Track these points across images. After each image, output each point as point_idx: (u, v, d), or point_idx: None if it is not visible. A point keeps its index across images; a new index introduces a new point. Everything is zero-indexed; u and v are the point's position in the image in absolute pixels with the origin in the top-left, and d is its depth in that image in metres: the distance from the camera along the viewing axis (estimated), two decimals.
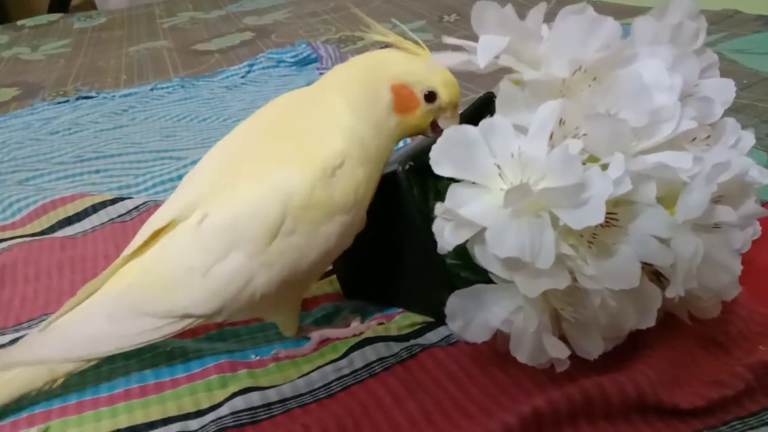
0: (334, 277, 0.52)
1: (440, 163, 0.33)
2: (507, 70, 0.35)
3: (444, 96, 0.41)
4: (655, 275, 0.36)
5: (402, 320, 0.46)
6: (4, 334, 0.50)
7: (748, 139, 0.36)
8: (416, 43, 0.41)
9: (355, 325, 0.46)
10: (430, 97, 0.41)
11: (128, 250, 0.42)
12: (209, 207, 0.39)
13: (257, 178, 0.39)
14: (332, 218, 0.40)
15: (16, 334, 0.50)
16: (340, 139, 0.40)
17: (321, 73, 1.04)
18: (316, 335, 0.46)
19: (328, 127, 0.40)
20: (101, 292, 0.42)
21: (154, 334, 0.41)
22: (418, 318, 0.46)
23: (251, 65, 1.15)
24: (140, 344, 0.41)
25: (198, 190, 0.41)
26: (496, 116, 0.33)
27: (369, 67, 0.42)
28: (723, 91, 0.36)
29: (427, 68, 0.40)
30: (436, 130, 0.42)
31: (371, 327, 0.46)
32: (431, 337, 0.45)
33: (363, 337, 0.45)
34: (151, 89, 1.09)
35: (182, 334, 0.48)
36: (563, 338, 0.36)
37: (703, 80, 0.36)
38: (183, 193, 0.42)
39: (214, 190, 0.40)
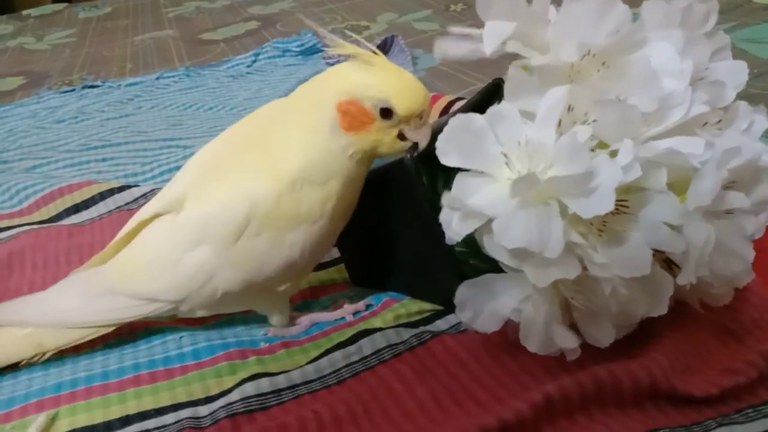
0: (342, 265, 0.52)
1: (446, 153, 0.33)
2: (513, 57, 0.35)
3: (399, 109, 0.38)
4: (666, 263, 0.36)
5: (411, 307, 0.46)
6: None
7: (761, 123, 0.36)
8: (372, 52, 0.39)
9: (346, 307, 0.47)
10: (386, 112, 0.38)
11: (114, 240, 0.45)
12: (187, 204, 0.42)
13: (230, 182, 0.41)
14: (298, 227, 0.40)
15: None
16: (299, 157, 0.40)
17: (327, 63, 1.05)
18: (305, 320, 0.47)
19: (290, 144, 0.40)
20: (81, 270, 0.46)
21: (124, 313, 0.44)
22: (427, 305, 0.46)
23: (257, 54, 1.14)
24: (109, 321, 0.44)
25: (180, 190, 0.43)
26: (504, 104, 0.33)
27: (317, 84, 0.41)
28: (735, 73, 0.36)
29: (382, 79, 0.38)
30: (404, 140, 0.40)
31: (358, 307, 0.47)
32: (441, 324, 0.45)
33: (362, 326, 0.45)
34: (157, 78, 1.09)
35: (190, 322, 0.48)
36: (574, 326, 0.36)
37: (714, 63, 0.36)
38: (167, 191, 0.44)
39: (194, 190, 0.42)
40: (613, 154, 0.32)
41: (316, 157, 0.40)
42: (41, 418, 0.40)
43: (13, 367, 0.45)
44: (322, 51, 1.12)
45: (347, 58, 0.39)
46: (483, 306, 0.36)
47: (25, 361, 0.45)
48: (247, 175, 0.41)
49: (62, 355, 0.46)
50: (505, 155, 0.33)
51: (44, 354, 0.45)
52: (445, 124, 0.34)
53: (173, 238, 0.42)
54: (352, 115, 0.39)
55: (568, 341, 0.35)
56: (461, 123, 0.33)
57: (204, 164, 0.43)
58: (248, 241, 0.40)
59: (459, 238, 0.34)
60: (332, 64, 1.05)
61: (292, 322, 0.47)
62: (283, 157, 0.40)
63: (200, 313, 0.45)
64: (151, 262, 0.42)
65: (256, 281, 0.42)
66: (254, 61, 1.13)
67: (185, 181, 0.43)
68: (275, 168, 0.40)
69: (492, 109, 0.33)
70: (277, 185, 0.40)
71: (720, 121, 0.35)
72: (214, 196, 0.41)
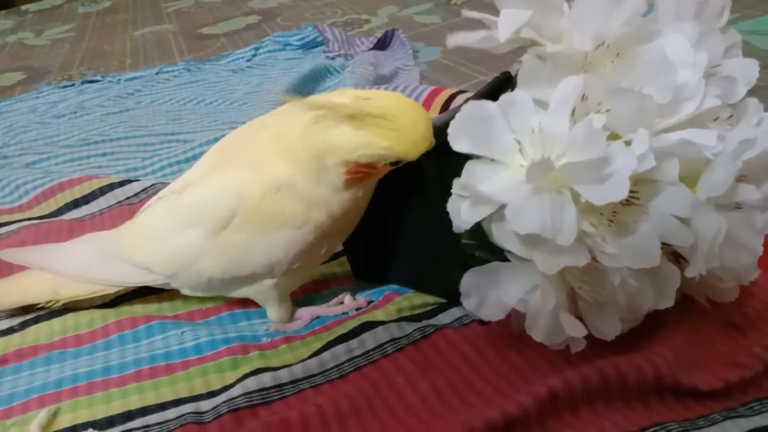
0: (344, 258, 0.52)
1: (458, 139, 0.33)
2: (517, 53, 0.35)
3: (410, 157, 0.38)
4: (673, 256, 0.35)
5: (414, 300, 0.46)
6: (13, 316, 0.50)
7: None
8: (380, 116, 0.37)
9: (347, 302, 0.47)
10: (396, 162, 0.38)
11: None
12: (191, 187, 0.44)
13: (227, 174, 0.43)
14: (281, 228, 0.41)
15: (25, 317, 0.50)
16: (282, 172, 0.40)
17: (327, 57, 1.04)
18: (306, 314, 0.47)
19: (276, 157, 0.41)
20: (101, 232, 0.51)
21: (125, 278, 0.47)
22: (430, 299, 0.46)
23: (257, 48, 1.14)
24: (112, 283, 0.47)
25: (194, 173, 0.45)
26: (517, 91, 0.33)
27: (318, 151, 0.38)
28: (746, 70, 0.35)
29: (391, 137, 0.37)
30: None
31: (360, 303, 0.47)
32: (444, 318, 0.45)
33: (365, 318, 0.45)
34: (157, 73, 1.08)
35: (192, 316, 0.48)
36: (579, 319, 0.36)
37: (726, 60, 0.36)
38: (186, 174, 0.46)
39: (201, 176, 0.44)
40: (627, 144, 0.31)
41: (307, 194, 0.40)
42: (43, 414, 0.40)
43: (30, 310, 0.50)
44: (322, 45, 1.11)
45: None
46: (488, 294, 0.36)
47: (41, 304, 0.49)
48: (241, 170, 0.42)
49: (63, 348, 0.46)
50: (519, 142, 0.32)
51: (58, 301, 0.49)
52: (450, 119, 0.33)
53: (171, 216, 0.44)
54: (360, 173, 0.39)
55: (576, 329, 0.35)
56: (474, 109, 0.33)
57: (219, 151, 0.45)
58: (233, 233, 0.42)
59: (467, 226, 0.34)
60: (333, 58, 1.06)
61: (292, 316, 0.47)
62: (270, 165, 0.41)
63: (195, 292, 0.47)
64: (150, 235, 0.45)
65: (238, 273, 0.43)
66: (254, 55, 1.12)
67: (201, 165, 0.45)
68: (262, 169, 0.41)
69: (504, 97, 0.33)
70: (262, 184, 0.40)
71: (731, 116, 0.34)
72: (212, 184, 0.43)
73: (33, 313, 0.50)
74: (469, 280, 0.36)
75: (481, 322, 0.43)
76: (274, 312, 0.46)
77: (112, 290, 0.48)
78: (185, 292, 0.47)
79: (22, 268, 0.51)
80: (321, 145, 0.38)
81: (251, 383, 0.40)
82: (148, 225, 0.46)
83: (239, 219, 0.41)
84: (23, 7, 1.80)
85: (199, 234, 0.43)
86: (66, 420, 0.40)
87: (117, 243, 0.47)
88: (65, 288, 0.48)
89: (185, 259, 0.44)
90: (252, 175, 0.41)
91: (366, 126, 0.37)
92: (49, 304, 0.49)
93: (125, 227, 0.48)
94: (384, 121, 0.37)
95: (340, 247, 0.52)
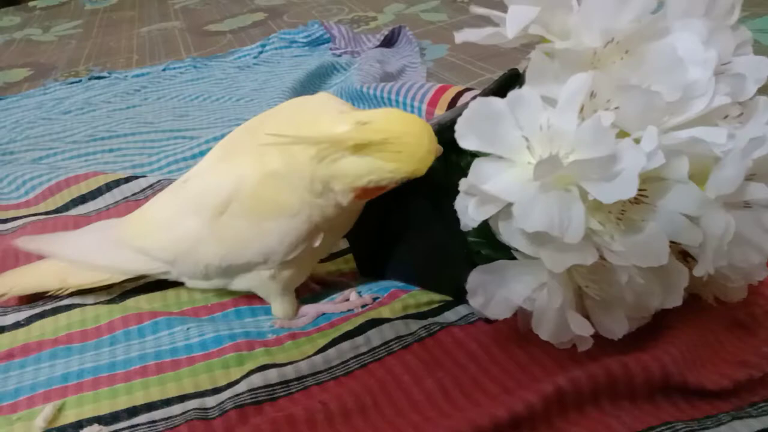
0: (350, 255, 0.52)
1: (465, 136, 0.33)
2: (525, 51, 0.34)
3: (419, 174, 0.37)
4: (682, 254, 0.35)
5: (420, 297, 0.46)
6: (19, 311, 0.50)
7: None
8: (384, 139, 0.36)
9: (352, 299, 0.47)
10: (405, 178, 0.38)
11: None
12: (196, 177, 0.45)
13: (229, 163, 0.43)
14: (276, 217, 0.41)
15: (31, 312, 0.50)
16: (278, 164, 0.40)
17: (334, 54, 1.04)
18: (311, 311, 0.47)
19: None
20: (108, 220, 0.53)
21: (129, 265, 0.48)
22: (436, 296, 0.46)
23: (263, 45, 1.14)
24: (117, 270, 0.48)
25: (199, 168, 0.46)
26: (525, 88, 0.33)
27: (324, 178, 0.39)
28: (756, 68, 0.35)
29: (399, 160, 0.36)
30: None
31: (365, 300, 0.47)
32: (449, 315, 0.44)
33: (370, 316, 0.45)
34: (164, 69, 1.08)
35: (198, 313, 0.48)
36: (586, 318, 0.36)
37: (736, 57, 0.35)
38: (191, 170, 0.47)
39: (206, 167, 0.45)
40: (636, 141, 0.31)
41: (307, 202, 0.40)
42: (48, 409, 0.40)
43: (38, 300, 0.51)
44: (329, 42, 1.11)
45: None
46: (495, 292, 0.36)
47: (50, 293, 0.50)
48: (242, 158, 0.42)
49: (69, 344, 0.46)
50: (527, 139, 0.32)
51: (67, 289, 0.50)
52: (457, 116, 0.33)
53: (175, 204, 0.45)
54: (369, 193, 0.39)
55: (583, 328, 0.34)
56: (481, 106, 0.33)
57: (224, 146, 0.45)
58: (230, 220, 0.42)
59: (475, 224, 0.33)
60: (339, 56, 1.06)
61: (297, 313, 0.47)
62: (266, 157, 0.40)
63: (194, 282, 0.47)
64: (154, 222, 0.46)
65: (235, 261, 0.44)
66: (261, 52, 1.13)
67: (206, 160, 0.46)
68: (260, 159, 0.41)
69: (512, 94, 0.33)
70: (260, 171, 0.40)
71: (741, 114, 0.34)
72: (214, 172, 0.44)
73: (39, 308, 0.50)
74: (475, 278, 0.36)
75: (488, 320, 0.43)
76: (278, 308, 0.46)
77: (119, 279, 0.49)
78: (185, 281, 0.47)
79: (29, 260, 0.52)
80: (327, 175, 0.38)
81: (256, 379, 0.40)
82: (153, 212, 0.47)
83: (236, 205, 0.42)
84: (31, 4, 1.81)
85: (198, 220, 0.43)
86: (71, 415, 0.40)
87: (121, 230, 0.48)
88: (73, 276, 0.49)
89: (184, 245, 0.44)
90: (251, 162, 0.41)
91: (371, 152, 0.37)
92: (59, 293, 0.50)
93: (129, 216, 0.49)
94: (388, 145, 0.36)
95: (345, 244, 0.52)
